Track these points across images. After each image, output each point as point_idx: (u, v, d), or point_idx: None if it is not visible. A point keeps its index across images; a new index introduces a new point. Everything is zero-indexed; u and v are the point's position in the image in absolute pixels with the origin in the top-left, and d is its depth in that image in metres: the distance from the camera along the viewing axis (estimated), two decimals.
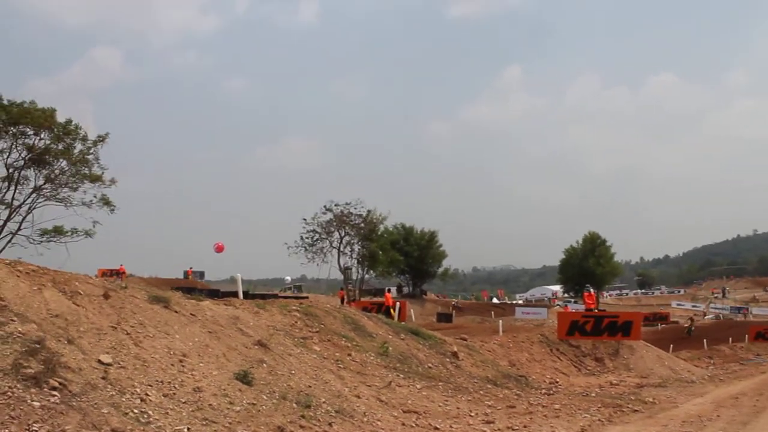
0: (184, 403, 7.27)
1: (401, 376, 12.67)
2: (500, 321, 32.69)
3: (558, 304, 72.04)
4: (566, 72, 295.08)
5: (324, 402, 9.20)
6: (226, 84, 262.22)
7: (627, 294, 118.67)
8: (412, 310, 40.53)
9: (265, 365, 9.66)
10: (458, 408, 11.26)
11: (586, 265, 74.20)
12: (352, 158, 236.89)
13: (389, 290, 56.04)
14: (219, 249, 45.14)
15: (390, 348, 14.54)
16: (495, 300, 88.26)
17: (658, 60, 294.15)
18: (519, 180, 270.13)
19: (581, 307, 40.83)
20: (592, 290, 38.74)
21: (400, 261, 57.22)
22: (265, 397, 8.45)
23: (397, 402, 10.75)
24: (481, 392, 13.31)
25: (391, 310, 28.49)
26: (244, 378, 8.60)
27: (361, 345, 13.97)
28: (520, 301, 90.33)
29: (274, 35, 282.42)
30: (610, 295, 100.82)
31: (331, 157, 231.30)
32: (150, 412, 6.66)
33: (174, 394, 7.37)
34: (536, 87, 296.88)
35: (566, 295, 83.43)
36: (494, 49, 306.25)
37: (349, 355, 12.99)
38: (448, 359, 16.46)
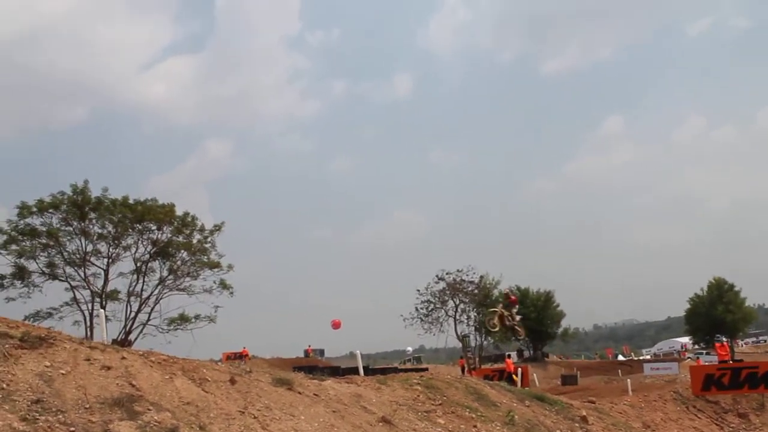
0: None
1: None
2: (628, 380, 31.21)
3: (689, 357, 68.17)
4: (669, 117, 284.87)
5: None
6: (329, 164, 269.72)
7: (766, 341, 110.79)
8: (534, 375, 39.41)
9: None
10: None
11: (715, 313, 70.08)
12: (458, 225, 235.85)
13: (509, 356, 54.75)
14: (336, 326, 45.82)
15: (516, 416, 14.16)
16: (620, 357, 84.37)
17: (765, 94, 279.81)
18: (631, 230, 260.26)
19: (714, 359, 38.56)
20: (724, 340, 36.55)
21: None
22: None
23: None
24: None
25: (514, 376, 27.83)
26: None
27: (485, 415, 13.68)
28: (648, 357, 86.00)
29: (371, 112, 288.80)
30: (746, 344, 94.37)
31: (438, 226, 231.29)
32: None
33: None
34: (639, 135, 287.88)
35: (696, 346, 78.86)
36: (592, 102, 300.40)
37: (475, 426, 12.73)
38: (577, 424, 15.86)
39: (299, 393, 10.20)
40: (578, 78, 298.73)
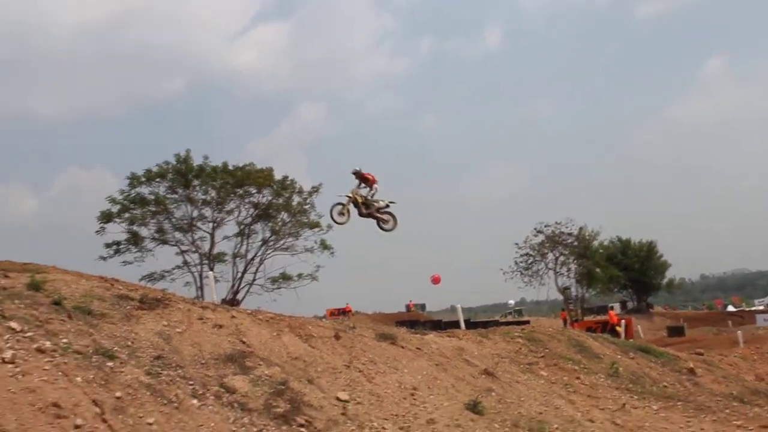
0: None
1: (635, 397, 12.13)
2: (739, 331, 30.04)
3: None
4: None
5: (557, 428, 9.07)
6: (422, 121, 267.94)
7: None
8: (639, 326, 38.58)
9: (493, 394, 9.72)
10: (702, 430, 10.55)
11: None
12: (556, 177, 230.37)
13: (612, 307, 53.81)
14: (436, 281, 46.22)
15: (620, 368, 13.98)
16: (730, 308, 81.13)
17: None
18: (739, 175, 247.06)
19: None
20: None
21: (619, 276, 55.08)
22: (497, 425, 8.50)
23: (634, 425, 10.31)
24: (727, 411, 12.33)
25: (617, 328, 27.40)
26: (475, 408, 8.71)
27: (588, 367, 13.58)
28: (761, 307, 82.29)
29: (461, 68, 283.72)
30: None
31: (536, 178, 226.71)
32: None
33: (409, 426, 7.65)
34: (744, 76, 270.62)
35: None
36: (692, 44, 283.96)
37: (578, 378, 12.67)
38: (684, 376, 15.48)
39: (402, 347, 10.44)
40: (676, 19, 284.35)
